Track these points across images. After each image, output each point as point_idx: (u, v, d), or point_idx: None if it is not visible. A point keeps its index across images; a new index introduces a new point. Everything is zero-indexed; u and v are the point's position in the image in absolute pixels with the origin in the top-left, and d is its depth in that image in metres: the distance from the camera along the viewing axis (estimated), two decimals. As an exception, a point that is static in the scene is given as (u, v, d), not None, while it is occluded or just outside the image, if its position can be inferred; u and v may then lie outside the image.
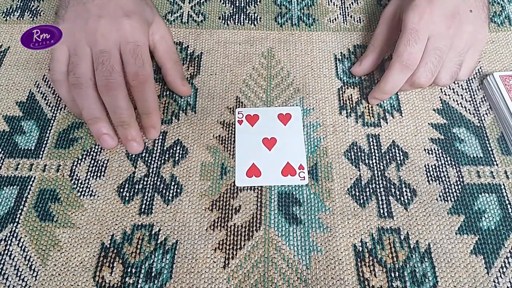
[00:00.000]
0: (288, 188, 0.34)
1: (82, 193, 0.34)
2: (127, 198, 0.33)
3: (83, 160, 0.35)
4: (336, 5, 0.47)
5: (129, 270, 0.30)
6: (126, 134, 0.34)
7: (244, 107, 0.39)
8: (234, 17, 0.46)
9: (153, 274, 0.30)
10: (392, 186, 0.34)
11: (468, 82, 0.40)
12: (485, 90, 0.40)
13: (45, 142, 0.36)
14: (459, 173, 0.35)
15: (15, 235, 0.32)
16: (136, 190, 0.34)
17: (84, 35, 0.34)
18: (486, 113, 0.38)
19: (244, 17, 0.46)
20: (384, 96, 0.38)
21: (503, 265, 0.30)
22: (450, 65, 0.35)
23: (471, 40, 0.36)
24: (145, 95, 0.34)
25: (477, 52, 0.37)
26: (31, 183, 0.34)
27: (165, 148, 0.36)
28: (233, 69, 0.41)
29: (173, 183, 0.34)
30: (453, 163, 0.35)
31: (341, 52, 0.43)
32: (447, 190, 0.34)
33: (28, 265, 0.30)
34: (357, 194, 0.34)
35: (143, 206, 0.33)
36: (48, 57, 0.42)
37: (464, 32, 0.35)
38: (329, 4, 0.47)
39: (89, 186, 0.34)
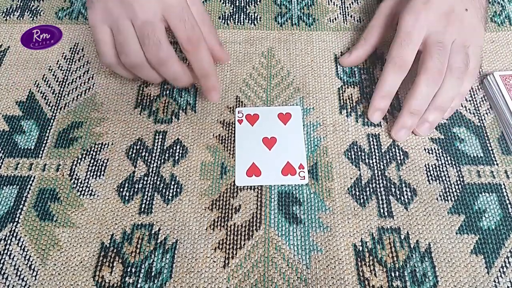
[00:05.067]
0: (288, 187, 0.34)
1: (82, 193, 0.34)
2: (127, 198, 0.33)
3: (83, 159, 0.35)
4: (336, 5, 0.47)
5: (129, 270, 0.30)
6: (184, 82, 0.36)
7: (244, 106, 0.39)
8: (234, 16, 0.46)
9: (153, 274, 0.30)
10: (392, 186, 0.34)
11: (468, 81, 0.40)
12: (485, 90, 0.40)
13: (44, 141, 0.36)
14: (459, 172, 0.35)
15: (15, 234, 0.31)
16: (136, 190, 0.34)
17: (122, 10, 0.33)
18: (487, 113, 0.38)
19: (244, 16, 0.46)
20: (384, 102, 0.37)
21: (503, 265, 0.30)
22: (458, 54, 0.35)
23: (469, 36, 0.36)
24: (201, 56, 0.34)
25: (478, 48, 0.37)
26: (30, 182, 0.34)
27: (165, 148, 0.36)
28: (233, 69, 0.41)
29: (173, 183, 0.34)
30: (453, 162, 0.35)
31: (341, 52, 0.43)
32: (447, 189, 0.34)
33: (28, 265, 0.30)
34: (357, 193, 0.34)
35: (143, 205, 0.33)
36: (48, 57, 0.42)
37: (462, 28, 0.36)
38: (329, 4, 0.47)
39: (88, 185, 0.34)
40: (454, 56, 0.34)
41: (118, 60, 0.35)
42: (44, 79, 0.40)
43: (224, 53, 0.40)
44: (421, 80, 0.34)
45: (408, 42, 0.35)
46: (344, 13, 0.46)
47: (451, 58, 0.34)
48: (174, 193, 0.34)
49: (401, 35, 0.35)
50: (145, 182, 0.34)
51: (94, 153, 0.36)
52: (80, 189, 0.34)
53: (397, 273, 0.30)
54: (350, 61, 0.41)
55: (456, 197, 0.33)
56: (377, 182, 0.34)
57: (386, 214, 0.33)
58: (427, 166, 0.35)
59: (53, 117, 0.38)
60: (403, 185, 0.34)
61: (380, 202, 0.33)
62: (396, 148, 0.36)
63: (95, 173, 0.35)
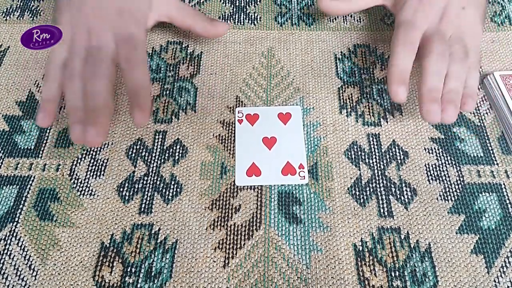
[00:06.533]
0: (288, 187, 0.34)
1: (82, 193, 0.34)
2: (126, 198, 0.33)
3: (83, 159, 0.35)
4: (336, 5, 0.47)
5: (129, 270, 0.30)
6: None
7: (244, 106, 0.39)
8: (234, 16, 0.46)
9: (153, 274, 0.30)
10: (393, 186, 0.34)
11: (468, 81, 0.40)
12: (485, 90, 0.40)
13: (44, 141, 0.36)
14: (459, 172, 0.35)
15: (14, 234, 0.31)
16: (136, 190, 0.34)
17: (79, 35, 0.34)
18: (487, 113, 0.38)
19: (244, 16, 0.46)
20: (401, 88, 0.34)
21: (504, 265, 0.30)
22: (457, 44, 0.35)
23: (467, 33, 0.36)
24: (135, 75, 0.33)
25: (476, 45, 0.36)
26: (30, 182, 0.34)
27: (165, 148, 0.36)
28: (233, 69, 0.41)
29: (173, 183, 0.34)
30: (453, 162, 0.35)
31: (341, 52, 0.43)
32: (447, 189, 0.34)
33: (28, 265, 0.30)
34: (357, 193, 0.34)
35: (143, 205, 0.33)
36: (47, 56, 0.42)
37: (459, 24, 0.36)
38: (329, 4, 0.47)
39: (88, 185, 0.34)
40: (453, 45, 0.35)
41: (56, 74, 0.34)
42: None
43: (219, 28, 0.40)
44: (429, 60, 0.34)
45: (411, 27, 0.36)
46: (344, 13, 0.46)
47: (450, 47, 0.35)
48: (174, 193, 0.34)
49: (402, 25, 0.36)
50: (145, 182, 0.34)
51: (94, 153, 0.36)
52: (80, 189, 0.34)
53: (397, 273, 0.30)
54: (331, 7, 0.40)
55: (456, 197, 0.33)
56: (377, 182, 0.34)
57: (386, 214, 0.33)
58: (427, 166, 0.35)
59: (53, 117, 0.38)
60: (403, 185, 0.34)
61: (380, 202, 0.33)
62: (396, 148, 0.36)
63: (95, 173, 0.35)
